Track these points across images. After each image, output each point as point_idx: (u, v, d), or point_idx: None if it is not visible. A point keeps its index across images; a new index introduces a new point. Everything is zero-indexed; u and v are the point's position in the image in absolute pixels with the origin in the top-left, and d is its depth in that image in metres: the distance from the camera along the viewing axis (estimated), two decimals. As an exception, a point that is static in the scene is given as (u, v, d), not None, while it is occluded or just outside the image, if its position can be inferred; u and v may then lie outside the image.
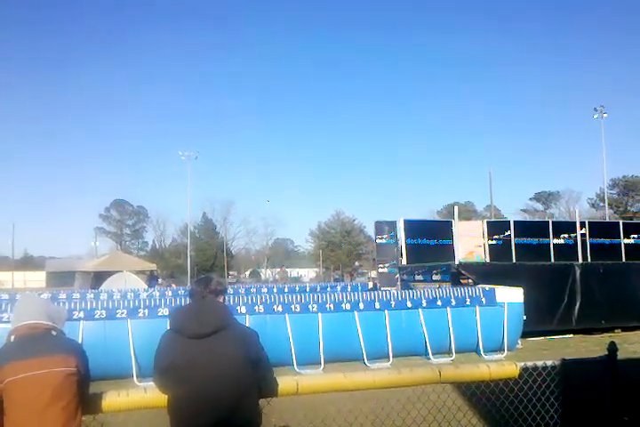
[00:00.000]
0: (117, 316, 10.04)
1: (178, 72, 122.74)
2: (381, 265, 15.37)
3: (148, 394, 3.06)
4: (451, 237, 15.39)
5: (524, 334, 12.86)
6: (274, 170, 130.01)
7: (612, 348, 3.95)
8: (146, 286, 23.96)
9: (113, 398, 3.08)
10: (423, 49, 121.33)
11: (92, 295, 14.13)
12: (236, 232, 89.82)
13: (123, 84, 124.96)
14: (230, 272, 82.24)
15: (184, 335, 2.96)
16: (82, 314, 9.82)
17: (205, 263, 75.01)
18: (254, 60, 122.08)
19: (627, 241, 16.78)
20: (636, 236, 17.01)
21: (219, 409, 2.84)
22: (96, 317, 9.92)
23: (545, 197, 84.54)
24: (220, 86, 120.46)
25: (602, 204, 66.72)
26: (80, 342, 7.17)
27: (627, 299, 15.41)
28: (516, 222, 16.40)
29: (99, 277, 31.97)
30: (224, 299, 3.36)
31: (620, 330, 15.33)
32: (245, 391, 2.93)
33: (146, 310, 10.14)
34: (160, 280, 44.12)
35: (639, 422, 5.12)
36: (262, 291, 15.60)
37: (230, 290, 15.85)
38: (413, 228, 15.57)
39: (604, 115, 50.81)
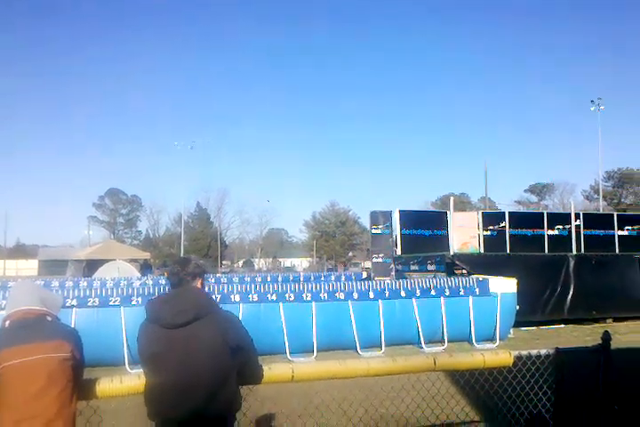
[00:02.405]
0: (110, 303, 10.02)
1: (172, 61, 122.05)
2: (376, 255, 15.32)
3: (141, 380, 3.04)
4: (446, 227, 15.41)
5: (516, 324, 12.95)
6: (269, 160, 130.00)
7: (606, 337, 3.96)
8: (139, 275, 23.91)
9: (107, 384, 3.08)
10: (420, 40, 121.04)
11: (85, 283, 14.07)
12: (231, 222, 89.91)
13: (117, 74, 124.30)
14: (224, 262, 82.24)
15: (160, 325, 2.92)
16: (75, 302, 9.80)
17: (199, 253, 74.83)
18: (248, 48, 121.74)
19: (621, 233, 16.85)
20: (629, 227, 17.08)
21: (195, 397, 2.82)
22: (89, 304, 9.90)
23: (539, 189, 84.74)
24: (216, 75, 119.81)
25: (596, 196, 66.92)
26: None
27: (618, 290, 15.55)
28: (511, 214, 16.44)
29: (91, 266, 31.86)
30: (202, 282, 3.18)
31: (611, 320, 15.45)
32: (223, 379, 2.89)
33: (139, 298, 10.11)
34: (153, 269, 44.09)
35: (629, 410, 5.15)
36: (256, 280, 15.59)
37: (224, 279, 15.84)
38: (409, 218, 15.59)
39: (602, 107, 50.67)
